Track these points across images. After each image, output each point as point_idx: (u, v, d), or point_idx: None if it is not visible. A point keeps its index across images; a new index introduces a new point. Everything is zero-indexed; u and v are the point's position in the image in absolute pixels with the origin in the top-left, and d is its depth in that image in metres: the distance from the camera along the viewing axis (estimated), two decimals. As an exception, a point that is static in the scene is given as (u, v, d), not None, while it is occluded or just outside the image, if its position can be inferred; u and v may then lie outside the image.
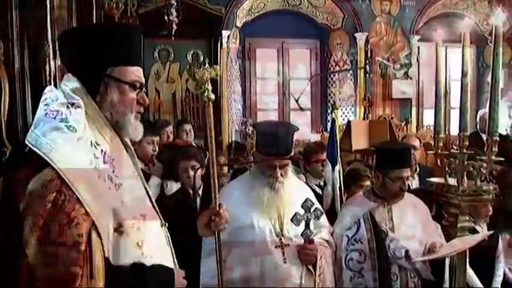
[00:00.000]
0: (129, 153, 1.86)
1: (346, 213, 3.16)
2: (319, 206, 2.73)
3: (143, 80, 1.85)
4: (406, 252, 2.88)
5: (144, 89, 1.86)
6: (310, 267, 2.68)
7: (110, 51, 1.74)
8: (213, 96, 2.25)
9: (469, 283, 3.61)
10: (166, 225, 1.89)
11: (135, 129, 1.81)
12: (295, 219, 2.58)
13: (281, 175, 2.69)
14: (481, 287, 3.64)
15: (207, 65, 2.37)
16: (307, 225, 2.61)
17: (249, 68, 8.28)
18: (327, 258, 2.77)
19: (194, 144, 5.44)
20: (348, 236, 2.95)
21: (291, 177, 2.82)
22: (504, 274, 4.19)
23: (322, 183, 4.21)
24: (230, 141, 7.43)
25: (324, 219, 2.84)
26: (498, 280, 4.09)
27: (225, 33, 7.57)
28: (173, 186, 3.84)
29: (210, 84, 2.29)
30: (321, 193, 4.09)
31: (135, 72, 1.79)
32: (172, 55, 7.60)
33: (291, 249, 2.66)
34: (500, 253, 4.15)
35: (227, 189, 2.95)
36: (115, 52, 1.75)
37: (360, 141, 5.44)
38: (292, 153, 2.76)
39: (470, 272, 3.52)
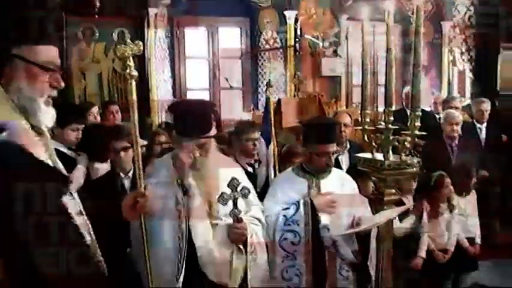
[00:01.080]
0: (44, 140, 1.70)
1: (276, 188, 3.18)
2: (248, 185, 2.68)
3: (58, 61, 1.69)
4: (334, 242, 2.94)
5: (62, 71, 1.71)
6: (241, 246, 2.65)
7: (15, 28, 1.58)
8: (135, 73, 2.16)
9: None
10: (83, 213, 1.75)
11: (46, 115, 1.67)
12: (221, 199, 2.54)
13: (200, 155, 2.60)
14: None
15: (128, 41, 2.26)
16: (234, 204, 2.57)
17: (177, 48, 8.09)
18: (258, 236, 2.75)
19: (122, 126, 5.27)
20: (285, 215, 2.95)
21: (215, 156, 2.75)
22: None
23: (253, 162, 4.21)
24: (160, 122, 7.26)
25: (253, 197, 2.81)
26: (423, 248, 4.28)
27: (152, 11, 7.34)
28: (101, 169, 3.70)
29: (132, 61, 2.18)
30: (253, 172, 4.09)
31: (47, 52, 1.64)
32: (97, 34, 7.28)
33: (220, 229, 2.62)
34: (425, 224, 4.34)
35: (153, 169, 2.83)
36: (22, 29, 1.59)
37: (290, 118, 5.48)
38: (212, 132, 2.65)
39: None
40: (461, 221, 4.56)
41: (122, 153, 3.45)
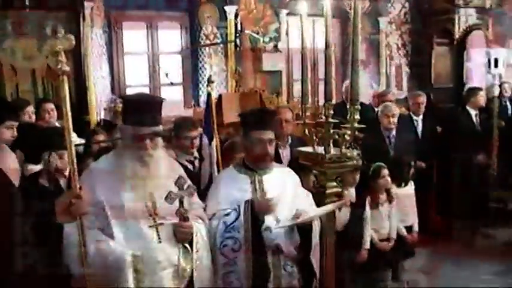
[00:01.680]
0: None
1: (218, 187, 3.11)
2: (191, 183, 2.66)
3: None
4: (277, 246, 2.92)
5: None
6: (187, 245, 2.62)
7: None
8: (67, 69, 2.06)
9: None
10: None
11: None
12: (169, 198, 2.51)
13: (151, 147, 2.58)
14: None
15: (59, 35, 2.15)
16: (181, 203, 2.54)
17: (116, 43, 7.85)
18: (202, 235, 2.73)
19: (58, 125, 5.07)
20: (225, 222, 2.88)
21: (162, 152, 2.72)
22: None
23: (193, 159, 4.16)
24: (99, 119, 7.04)
25: (195, 196, 2.79)
26: (367, 240, 4.37)
27: (87, 4, 7.07)
28: (34, 170, 3.54)
29: (63, 57, 2.08)
30: (192, 169, 4.04)
31: None
32: (29, 28, 6.94)
33: (165, 229, 2.58)
34: (368, 214, 4.44)
35: (91, 169, 2.75)
36: None
37: (231, 114, 5.44)
38: (161, 126, 2.66)
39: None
40: (400, 210, 4.68)
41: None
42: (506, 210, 6.82)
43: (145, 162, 2.58)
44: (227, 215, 2.90)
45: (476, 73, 8.26)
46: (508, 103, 8.17)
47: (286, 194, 3.06)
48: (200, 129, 4.40)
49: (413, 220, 4.84)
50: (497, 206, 6.76)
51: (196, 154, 4.25)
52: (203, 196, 3.08)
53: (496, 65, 7.91)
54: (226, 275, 2.86)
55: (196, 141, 4.21)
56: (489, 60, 7.85)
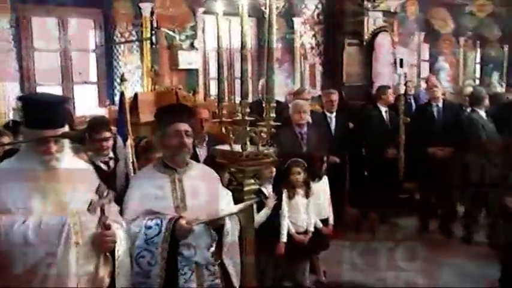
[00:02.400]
0: None
1: (135, 187, 3.00)
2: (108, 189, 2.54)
3: None
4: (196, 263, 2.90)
5: None
6: (108, 254, 2.52)
7: None
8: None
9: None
10: None
11: None
12: (92, 208, 2.38)
13: (56, 151, 2.43)
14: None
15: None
16: (102, 212, 2.42)
17: (24, 39, 7.45)
18: (121, 239, 2.62)
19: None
20: (146, 234, 2.78)
21: (70, 155, 2.57)
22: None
23: (108, 160, 4.07)
24: (8, 120, 6.67)
25: None
26: (284, 234, 4.49)
27: (-8, -2, 6.68)
28: None
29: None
30: (107, 169, 3.95)
31: None
32: None
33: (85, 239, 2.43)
34: (284, 208, 4.56)
35: None
36: None
37: (147, 113, 5.36)
38: (65, 126, 2.50)
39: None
40: (315, 204, 4.84)
41: None
42: (413, 200, 7.26)
43: (51, 168, 2.43)
44: (149, 228, 2.80)
45: (383, 72, 8.68)
46: (412, 100, 8.70)
47: (207, 193, 3.02)
48: (114, 129, 4.31)
49: (329, 213, 5.03)
50: (404, 197, 7.19)
51: (111, 154, 4.15)
52: (119, 196, 2.94)
53: (401, 65, 8.40)
54: (138, 284, 2.77)
55: (110, 142, 4.11)
56: (395, 61, 8.31)
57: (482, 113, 6.11)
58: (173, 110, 3.12)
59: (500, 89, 11.96)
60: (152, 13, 7.68)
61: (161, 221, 2.80)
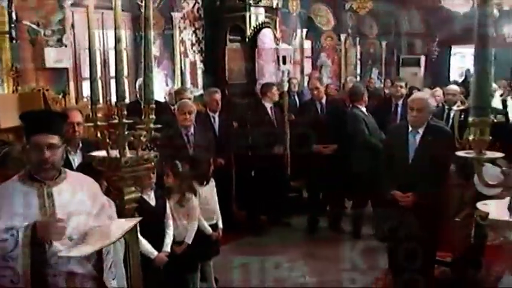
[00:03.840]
0: None
1: None
2: None
3: None
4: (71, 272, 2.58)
5: None
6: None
7: None
8: None
9: (143, 251, 3.73)
10: None
11: None
12: None
13: None
14: (153, 251, 4.01)
15: None
16: None
17: None
18: None
19: None
20: (2, 249, 2.39)
21: None
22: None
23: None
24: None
25: None
26: (168, 242, 4.20)
27: None
28: None
29: None
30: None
31: None
32: None
33: None
34: (169, 217, 4.28)
35: None
36: None
37: (8, 118, 4.76)
38: None
39: (143, 241, 3.73)
40: (204, 209, 4.66)
41: None
42: (301, 199, 7.33)
43: None
44: (3, 240, 2.41)
45: (267, 69, 8.68)
46: (296, 97, 8.81)
47: (84, 205, 2.69)
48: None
49: (217, 217, 4.87)
50: (293, 196, 7.23)
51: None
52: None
53: (284, 62, 8.45)
54: None
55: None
56: (278, 58, 8.34)
57: (363, 108, 6.27)
58: (38, 118, 2.71)
59: (379, 84, 12.71)
60: (10, 3, 6.87)
61: (17, 232, 2.42)
